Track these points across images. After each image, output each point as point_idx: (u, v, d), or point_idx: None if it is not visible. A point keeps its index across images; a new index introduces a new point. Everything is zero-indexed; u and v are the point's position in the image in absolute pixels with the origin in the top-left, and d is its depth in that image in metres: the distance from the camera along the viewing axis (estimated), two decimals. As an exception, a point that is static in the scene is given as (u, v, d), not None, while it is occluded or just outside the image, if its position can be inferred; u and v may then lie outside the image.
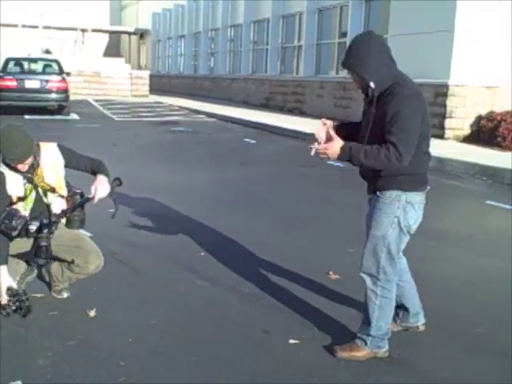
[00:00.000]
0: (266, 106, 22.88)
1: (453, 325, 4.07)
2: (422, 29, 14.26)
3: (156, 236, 5.88)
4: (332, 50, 19.68)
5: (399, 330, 3.82)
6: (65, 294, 4.24)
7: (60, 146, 4.02)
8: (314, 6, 20.10)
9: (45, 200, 3.93)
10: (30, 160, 3.77)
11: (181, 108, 22.69)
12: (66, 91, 18.67)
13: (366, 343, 3.47)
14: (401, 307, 3.78)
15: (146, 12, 39.01)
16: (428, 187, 3.47)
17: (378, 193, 3.39)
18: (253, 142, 13.99)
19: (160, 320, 3.93)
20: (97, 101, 24.33)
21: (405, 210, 3.33)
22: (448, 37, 13.38)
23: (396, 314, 3.81)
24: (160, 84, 34.26)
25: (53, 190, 3.93)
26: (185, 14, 33.00)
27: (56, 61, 20.94)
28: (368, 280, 3.44)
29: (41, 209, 3.91)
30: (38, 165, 3.87)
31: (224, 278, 4.79)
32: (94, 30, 37.49)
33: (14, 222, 3.69)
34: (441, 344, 3.77)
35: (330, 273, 4.90)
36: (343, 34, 18.92)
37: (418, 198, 3.38)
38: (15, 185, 3.82)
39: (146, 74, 29.87)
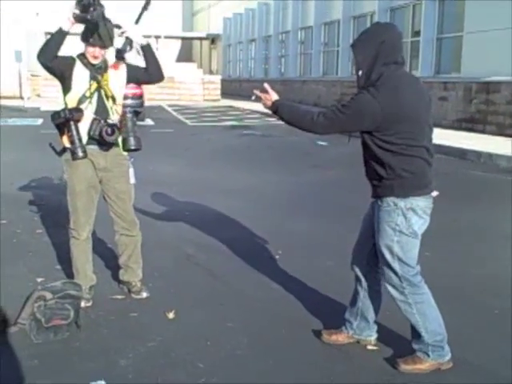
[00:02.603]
0: (337, 107, 22.71)
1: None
2: (500, 25, 13.81)
3: (231, 239, 5.93)
4: (404, 49, 19.30)
5: (350, 342, 3.66)
6: (144, 294, 4.35)
7: (128, 65, 4.12)
8: (387, 5, 19.82)
9: (106, 104, 4.00)
10: (105, 52, 3.93)
11: (252, 111, 22.84)
12: (140, 97, 18.95)
13: (427, 355, 3.33)
14: (362, 317, 3.61)
15: (217, 17, 39.52)
16: (435, 193, 3.29)
17: (378, 200, 3.30)
18: (325, 144, 13.91)
19: (237, 323, 3.96)
20: (170, 106, 24.84)
21: (406, 216, 3.19)
22: (528, 32, 12.92)
23: (350, 324, 3.65)
24: (231, 88, 34.62)
25: (113, 100, 4.01)
26: (255, 17, 33.22)
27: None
28: (394, 291, 3.32)
29: (103, 113, 3.99)
30: (106, 69, 4.01)
31: (299, 281, 4.78)
32: (166, 37, 38.24)
33: None
34: (503, 343, 3.64)
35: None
36: (416, 33, 18.56)
37: (420, 204, 3.21)
38: (81, 78, 3.93)
39: (217, 78, 30.26)
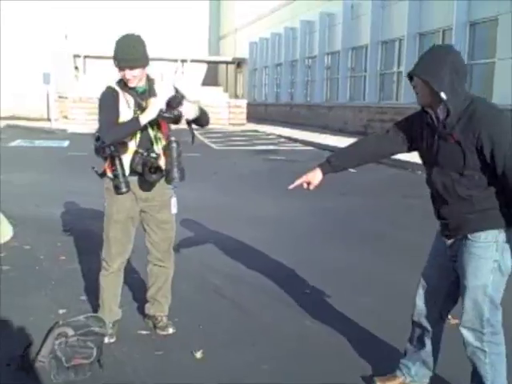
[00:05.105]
0: (363, 133, 22.46)
1: None
2: (534, 51, 13.55)
3: (259, 269, 5.70)
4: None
5: None
6: (170, 330, 4.12)
7: (175, 87, 3.86)
8: (415, 30, 19.65)
9: (150, 132, 3.76)
10: (139, 73, 3.66)
11: (278, 136, 22.73)
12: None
13: None
14: (423, 364, 3.36)
15: (243, 41, 39.73)
16: None
17: (469, 236, 2.96)
18: (352, 170, 13.64)
19: (271, 365, 3.70)
20: (196, 129, 24.79)
21: (503, 251, 2.91)
22: None
23: (407, 370, 3.40)
24: (256, 112, 34.62)
25: (158, 126, 3.78)
26: (281, 42, 33.28)
27: (158, 91, 21.56)
28: (470, 336, 3.01)
29: (146, 143, 3.76)
30: (154, 94, 3.75)
31: (332, 317, 4.52)
32: (193, 61, 38.54)
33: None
34: None
35: (450, 317, 4.51)
36: (446, 59, 18.34)
37: None
38: (125, 107, 3.71)
39: (243, 102, 30.28)
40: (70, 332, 3.46)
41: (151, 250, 4.07)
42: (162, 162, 3.77)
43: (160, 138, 3.81)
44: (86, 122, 23.15)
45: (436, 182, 3.03)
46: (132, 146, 3.74)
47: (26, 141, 18.87)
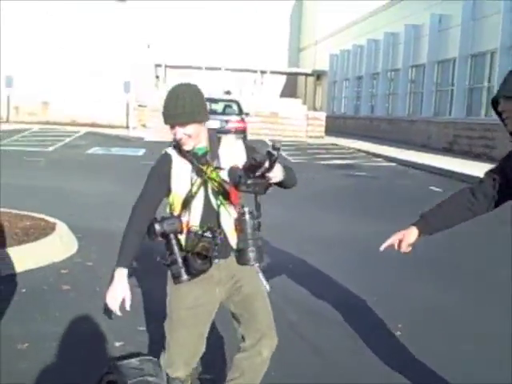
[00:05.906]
0: (448, 150, 21.37)
1: None
2: None
3: (339, 303, 5.07)
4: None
5: None
6: None
7: (246, 144, 3.05)
8: (510, 43, 18.46)
9: (213, 203, 2.87)
10: (194, 130, 2.80)
11: (357, 150, 21.92)
12: (243, 131, 18.95)
13: None
14: None
15: (323, 53, 39.15)
16: None
17: None
18: (439, 190, 12.76)
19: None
20: (273, 141, 24.36)
21: None
22: None
23: None
24: (334, 125, 33.87)
25: (225, 195, 2.87)
26: (363, 54, 32.49)
27: (236, 102, 21.34)
28: None
29: (210, 217, 2.87)
30: (216, 156, 2.91)
31: (431, 370, 3.81)
32: (272, 72, 38.31)
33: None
34: None
35: None
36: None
37: None
38: (181, 175, 2.87)
39: (322, 115, 29.64)
40: (120, 381, 2.92)
41: (245, 334, 2.99)
42: (232, 240, 2.88)
43: (228, 211, 2.90)
44: (163, 131, 23.16)
45: None
46: (190, 221, 2.88)
47: (102, 148, 18.93)
